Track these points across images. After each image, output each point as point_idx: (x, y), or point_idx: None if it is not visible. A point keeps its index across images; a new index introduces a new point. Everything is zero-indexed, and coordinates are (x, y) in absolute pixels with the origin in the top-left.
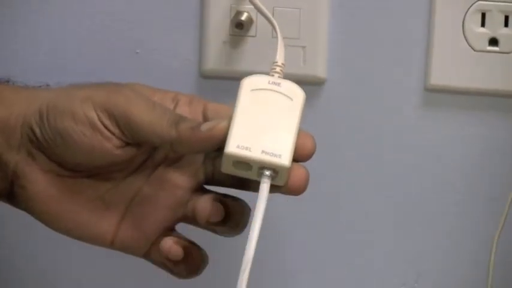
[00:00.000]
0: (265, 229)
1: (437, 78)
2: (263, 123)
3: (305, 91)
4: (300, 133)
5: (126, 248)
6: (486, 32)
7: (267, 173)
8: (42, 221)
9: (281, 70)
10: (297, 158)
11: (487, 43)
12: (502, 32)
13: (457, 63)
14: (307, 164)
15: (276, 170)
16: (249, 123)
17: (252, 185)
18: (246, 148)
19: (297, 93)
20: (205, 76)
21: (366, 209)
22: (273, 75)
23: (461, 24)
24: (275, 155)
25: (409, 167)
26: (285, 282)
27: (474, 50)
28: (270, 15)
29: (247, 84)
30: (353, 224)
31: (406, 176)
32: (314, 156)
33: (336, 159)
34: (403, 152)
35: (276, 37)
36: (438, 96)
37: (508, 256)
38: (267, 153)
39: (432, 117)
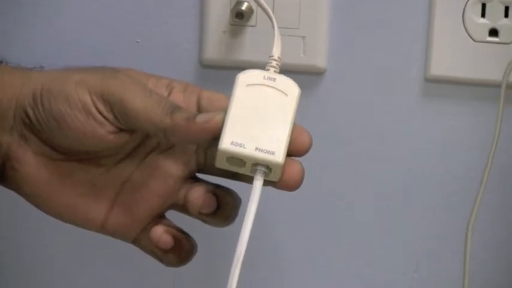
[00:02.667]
0: (262, 221)
1: (437, 69)
2: (257, 119)
3: (305, 81)
4: (296, 128)
5: (115, 233)
6: (486, 22)
7: (261, 169)
8: (32, 203)
9: (277, 64)
10: (292, 154)
11: (487, 34)
12: (502, 23)
13: (457, 54)
14: (305, 155)
15: (269, 166)
16: (243, 119)
17: (244, 176)
18: (240, 145)
19: (292, 89)
20: (205, 65)
21: (366, 200)
22: (268, 70)
23: (461, 14)
24: (268, 152)
25: (409, 157)
26: (282, 275)
27: (474, 41)
28: (267, 6)
29: (243, 79)
30: (352, 213)
31: (406, 167)
32: (313, 147)
33: (335, 150)
34: (403, 142)
35: (274, 29)
36: (438, 86)
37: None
38: (260, 150)
39: (432, 107)
